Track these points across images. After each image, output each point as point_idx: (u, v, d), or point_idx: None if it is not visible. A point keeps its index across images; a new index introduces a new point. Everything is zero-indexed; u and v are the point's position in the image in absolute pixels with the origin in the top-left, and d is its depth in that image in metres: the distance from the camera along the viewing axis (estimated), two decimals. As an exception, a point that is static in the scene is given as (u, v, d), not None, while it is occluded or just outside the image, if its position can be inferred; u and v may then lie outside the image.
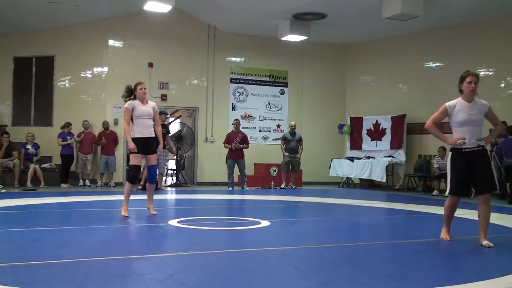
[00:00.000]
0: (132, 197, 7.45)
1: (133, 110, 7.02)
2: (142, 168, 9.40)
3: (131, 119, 7.06)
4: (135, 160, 7.08)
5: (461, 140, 5.18)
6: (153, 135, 7.18)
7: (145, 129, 7.06)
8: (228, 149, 13.01)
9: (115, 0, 12.61)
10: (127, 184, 7.16)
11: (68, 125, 13.02)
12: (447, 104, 5.51)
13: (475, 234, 5.14)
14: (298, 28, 13.46)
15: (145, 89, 7.22)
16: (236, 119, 13.60)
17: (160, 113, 12.73)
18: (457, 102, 5.40)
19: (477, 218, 5.23)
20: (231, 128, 14.03)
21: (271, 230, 6.32)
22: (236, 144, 12.85)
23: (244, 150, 13.02)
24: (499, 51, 12.31)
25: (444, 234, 5.49)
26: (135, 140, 6.98)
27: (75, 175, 13.22)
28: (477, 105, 5.26)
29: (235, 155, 12.91)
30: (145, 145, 7.06)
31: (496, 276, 3.92)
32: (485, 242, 5.02)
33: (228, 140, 13.06)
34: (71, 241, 5.24)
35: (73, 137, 13.08)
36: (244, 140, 13.06)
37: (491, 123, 5.47)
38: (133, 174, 7.20)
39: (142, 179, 12.26)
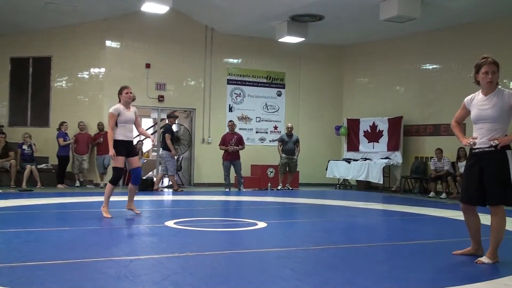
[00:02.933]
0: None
1: (118, 115, 7.04)
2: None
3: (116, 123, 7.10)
4: (118, 162, 7.12)
5: (471, 140, 4.47)
6: (133, 139, 7.36)
7: (129, 132, 7.21)
8: (223, 151, 13.01)
9: (112, 1, 12.60)
10: (109, 185, 7.18)
11: (63, 123, 12.99)
12: (466, 98, 4.74)
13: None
14: (295, 29, 13.48)
15: (131, 93, 7.25)
16: (230, 121, 13.59)
17: (169, 116, 12.86)
18: (475, 96, 4.66)
19: (483, 222, 4.78)
20: (227, 130, 14.03)
21: (268, 232, 6.32)
22: (233, 146, 12.86)
23: (240, 151, 13.03)
24: (496, 54, 12.17)
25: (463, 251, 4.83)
26: (119, 142, 7.04)
27: (71, 176, 13.20)
28: (494, 98, 4.46)
29: (231, 157, 12.92)
30: (127, 148, 7.17)
31: (492, 278, 3.93)
32: (481, 259, 4.49)
33: (224, 142, 13.06)
34: (68, 242, 5.24)
35: (72, 138, 13.05)
36: (240, 141, 13.06)
37: None
38: (116, 176, 7.21)
39: (156, 182, 12.37)
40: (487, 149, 4.44)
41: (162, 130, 13.05)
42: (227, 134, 13.27)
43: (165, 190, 13.45)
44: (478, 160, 4.51)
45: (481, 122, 4.51)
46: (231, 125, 13.29)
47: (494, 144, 4.38)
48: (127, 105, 7.21)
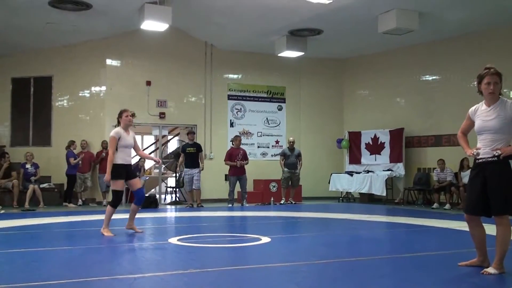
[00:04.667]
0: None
1: (119, 139, 7.09)
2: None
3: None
4: (118, 185, 7.17)
5: (475, 150, 4.50)
6: (131, 163, 7.40)
7: (128, 156, 7.27)
8: (229, 166, 13.01)
9: (112, 20, 12.68)
10: (109, 208, 7.21)
11: (73, 143, 13.02)
12: (470, 109, 4.74)
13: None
14: (294, 44, 13.54)
15: (131, 116, 7.28)
16: (238, 136, 13.67)
17: (189, 132, 13.01)
18: (478, 107, 4.67)
19: (489, 233, 4.75)
20: (229, 145, 14.05)
21: (272, 247, 6.29)
22: (239, 160, 12.88)
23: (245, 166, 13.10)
24: (494, 64, 12.30)
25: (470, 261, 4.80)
26: (118, 166, 7.09)
27: (74, 194, 13.19)
28: (497, 109, 4.48)
29: (239, 172, 12.95)
30: (127, 171, 7.22)
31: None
32: (487, 269, 4.46)
33: (230, 157, 13.06)
34: (71, 261, 5.22)
35: (79, 156, 13.07)
36: (245, 156, 13.13)
37: None
38: (116, 199, 7.22)
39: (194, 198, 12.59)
40: (490, 159, 4.44)
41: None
42: (233, 149, 13.28)
43: (168, 207, 13.42)
44: (481, 170, 4.51)
45: (484, 133, 4.52)
46: (240, 140, 13.35)
47: (496, 154, 4.39)
48: (126, 129, 7.25)
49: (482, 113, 4.58)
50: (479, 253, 4.72)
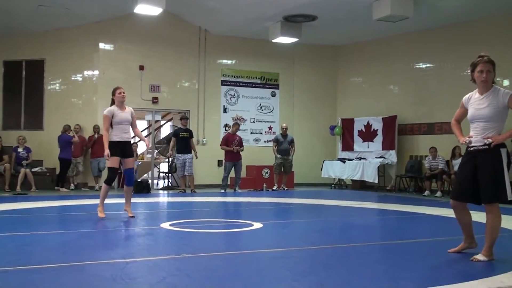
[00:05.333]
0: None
1: (112, 116, 7.08)
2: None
3: (110, 124, 7.12)
4: (112, 162, 7.17)
5: (467, 138, 4.54)
6: (130, 140, 7.40)
7: (124, 133, 7.23)
8: (225, 152, 13.03)
9: (105, 3, 12.57)
10: (104, 185, 7.25)
11: (69, 127, 12.96)
12: (464, 97, 4.76)
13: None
14: (289, 30, 13.48)
15: (124, 93, 7.29)
16: (237, 123, 13.72)
17: (182, 118, 13.00)
18: (472, 95, 4.69)
19: (479, 220, 4.84)
20: (223, 131, 14.05)
21: (264, 232, 6.31)
22: (236, 146, 12.90)
23: (240, 152, 13.16)
24: (488, 52, 12.34)
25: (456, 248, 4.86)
26: (113, 143, 7.09)
27: (66, 179, 13.14)
28: (490, 97, 4.49)
29: (235, 158, 12.98)
30: (122, 149, 7.20)
31: (488, 276, 3.94)
32: (477, 256, 4.49)
33: (226, 142, 13.08)
34: (63, 245, 5.22)
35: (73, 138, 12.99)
36: (241, 143, 13.19)
37: None
38: (110, 176, 7.24)
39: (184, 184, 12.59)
40: (481, 147, 4.47)
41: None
42: (229, 134, 13.30)
43: (160, 192, 13.42)
44: (472, 158, 4.55)
45: (476, 121, 4.54)
46: (237, 127, 13.39)
47: (487, 143, 4.41)
48: (121, 106, 7.24)
49: (475, 101, 4.59)
50: (465, 235, 4.78)
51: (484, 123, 4.49)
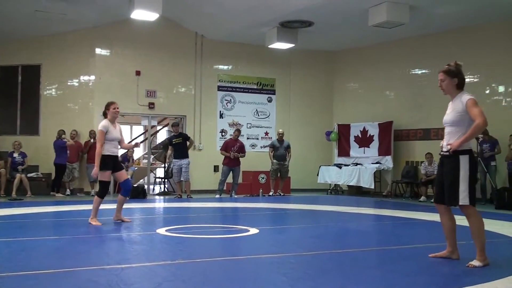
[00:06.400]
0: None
1: (106, 132, 7.14)
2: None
3: None
4: (104, 176, 7.21)
5: (441, 143, 4.79)
6: (117, 154, 7.45)
7: (115, 148, 7.31)
8: (224, 156, 13.06)
9: (102, 9, 12.58)
10: (96, 198, 7.26)
11: (63, 133, 12.96)
12: None
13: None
14: (285, 36, 13.52)
15: (118, 109, 7.35)
16: (237, 129, 13.79)
17: (173, 125, 13.13)
18: None
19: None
20: (219, 136, 14.07)
21: (260, 238, 6.31)
22: (234, 152, 12.91)
23: (240, 158, 13.18)
24: (484, 58, 12.44)
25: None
26: (106, 157, 7.14)
27: (61, 184, 13.11)
28: (455, 102, 4.71)
29: (233, 163, 13.02)
30: (114, 162, 7.26)
31: (484, 282, 3.95)
32: (472, 262, 4.49)
33: (226, 147, 13.14)
34: (58, 251, 5.21)
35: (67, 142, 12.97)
36: (242, 149, 13.25)
37: None
38: (103, 190, 7.27)
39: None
40: (445, 153, 4.69)
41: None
42: (231, 140, 13.36)
43: (156, 197, 13.40)
44: (441, 164, 4.80)
45: (445, 126, 4.75)
46: (238, 134, 13.47)
47: (448, 149, 4.61)
48: (113, 121, 7.30)
49: (448, 107, 4.81)
50: (448, 243, 4.84)
51: (449, 128, 4.68)
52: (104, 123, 7.21)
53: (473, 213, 4.57)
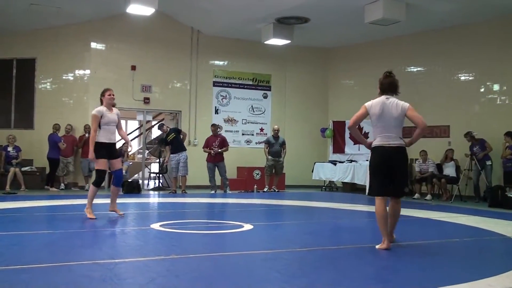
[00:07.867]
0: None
1: (101, 117, 7.09)
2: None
3: (98, 125, 7.13)
4: (100, 165, 7.18)
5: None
6: (115, 142, 7.43)
7: (111, 135, 7.26)
8: (207, 153, 13.04)
9: (97, 3, 12.53)
10: (92, 187, 7.25)
11: (59, 127, 12.93)
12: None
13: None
14: (281, 32, 13.51)
15: (113, 95, 7.32)
16: (213, 124, 13.63)
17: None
18: None
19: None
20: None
21: (254, 234, 6.31)
22: (215, 148, 12.89)
23: (224, 153, 13.10)
24: (479, 56, 12.47)
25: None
26: (101, 144, 7.10)
27: (56, 178, 13.08)
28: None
29: (214, 159, 13.01)
30: (109, 150, 7.21)
31: (477, 279, 3.96)
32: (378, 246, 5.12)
33: (207, 144, 13.14)
34: (52, 245, 5.19)
35: (62, 141, 12.93)
36: (223, 143, 13.14)
37: None
38: (99, 178, 7.26)
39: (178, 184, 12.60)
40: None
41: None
42: (211, 136, 13.31)
43: (150, 192, 13.38)
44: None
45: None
46: (214, 129, 13.34)
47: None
48: (109, 107, 7.26)
49: None
50: (386, 234, 5.24)
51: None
52: (98, 108, 7.19)
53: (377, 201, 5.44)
